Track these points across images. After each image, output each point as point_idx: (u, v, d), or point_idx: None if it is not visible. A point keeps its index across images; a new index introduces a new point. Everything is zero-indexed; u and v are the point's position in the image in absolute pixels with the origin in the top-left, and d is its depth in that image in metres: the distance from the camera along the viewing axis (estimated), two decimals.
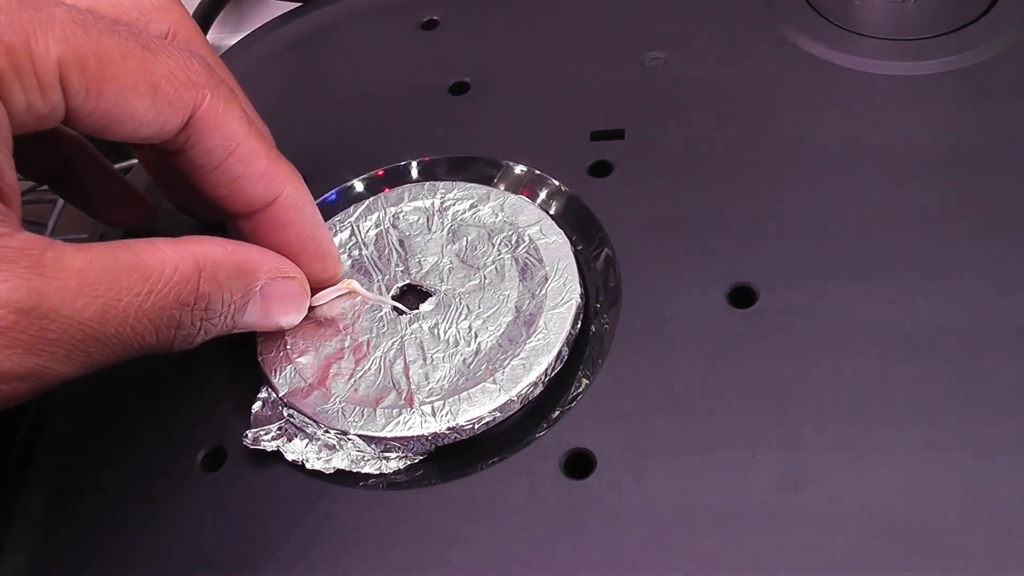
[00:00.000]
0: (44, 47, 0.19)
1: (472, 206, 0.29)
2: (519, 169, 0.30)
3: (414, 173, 0.32)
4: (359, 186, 0.32)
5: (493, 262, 0.27)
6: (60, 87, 0.20)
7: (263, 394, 0.26)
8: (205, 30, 0.50)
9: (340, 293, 0.27)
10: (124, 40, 0.21)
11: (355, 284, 0.27)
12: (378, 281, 0.28)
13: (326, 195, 0.31)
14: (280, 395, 0.26)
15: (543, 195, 0.30)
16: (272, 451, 0.25)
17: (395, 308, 0.27)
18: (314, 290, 0.27)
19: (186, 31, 0.26)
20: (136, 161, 0.36)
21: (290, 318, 0.26)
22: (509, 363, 0.25)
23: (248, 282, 0.24)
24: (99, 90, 0.20)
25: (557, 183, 0.30)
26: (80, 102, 0.20)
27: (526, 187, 0.30)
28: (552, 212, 0.29)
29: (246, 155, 0.23)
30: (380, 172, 0.31)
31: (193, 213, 0.30)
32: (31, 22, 0.19)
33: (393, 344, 0.26)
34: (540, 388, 0.25)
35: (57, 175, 0.29)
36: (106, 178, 0.30)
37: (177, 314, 0.22)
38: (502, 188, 0.30)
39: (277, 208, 0.24)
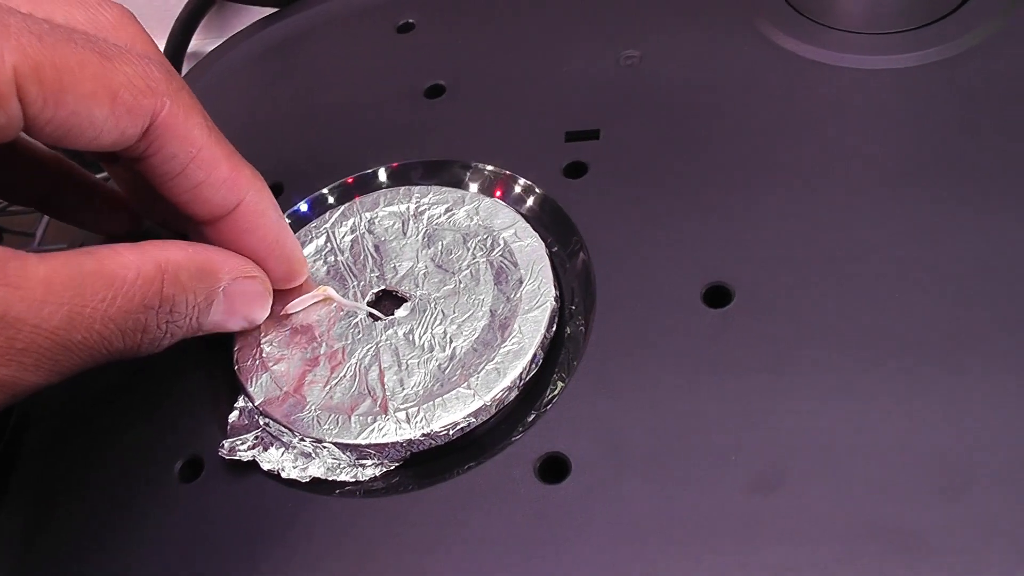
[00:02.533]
0: None
1: (447, 210, 0.29)
2: (493, 171, 0.30)
3: (383, 179, 0.32)
4: (329, 195, 0.32)
5: (468, 266, 0.27)
6: (17, 98, 0.20)
7: (240, 403, 0.26)
8: (188, 36, 0.50)
9: (316, 300, 0.27)
10: (81, 48, 0.20)
11: (330, 291, 0.27)
12: (353, 287, 0.28)
13: (296, 204, 0.31)
14: (256, 404, 0.26)
15: (518, 197, 0.30)
16: (248, 461, 0.25)
17: (370, 314, 0.27)
18: (283, 295, 0.27)
19: (143, 47, 0.25)
20: None
21: (254, 316, 0.26)
22: (484, 368, 0.25)
23: (211, 283, 0.24)
24: (57, 99, 0.20)
25: (532, 185, 0.30)
26: (38, 111, 0.20)
27: (501, 189, 0.30)
28: (527, 214, 0.29)
29: (207, 161, 0.23)
30: (350, 180, 0.31)
31: (165, 224, 0.30)
32: None
33: (368, 350, 0.26)
34: (515, 392, 0.25)
35: (46, 199, 0.29)
36: (94, 195, 0.30)
37: (143, 318, 0.22)
38: (477, 191, 0.30)
39: (240, 213, 0.24)
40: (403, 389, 0.25)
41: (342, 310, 0.27)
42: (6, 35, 0.19)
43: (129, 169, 0.28)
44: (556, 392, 0.25)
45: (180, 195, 0.23)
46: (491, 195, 0.30)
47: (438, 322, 0.26)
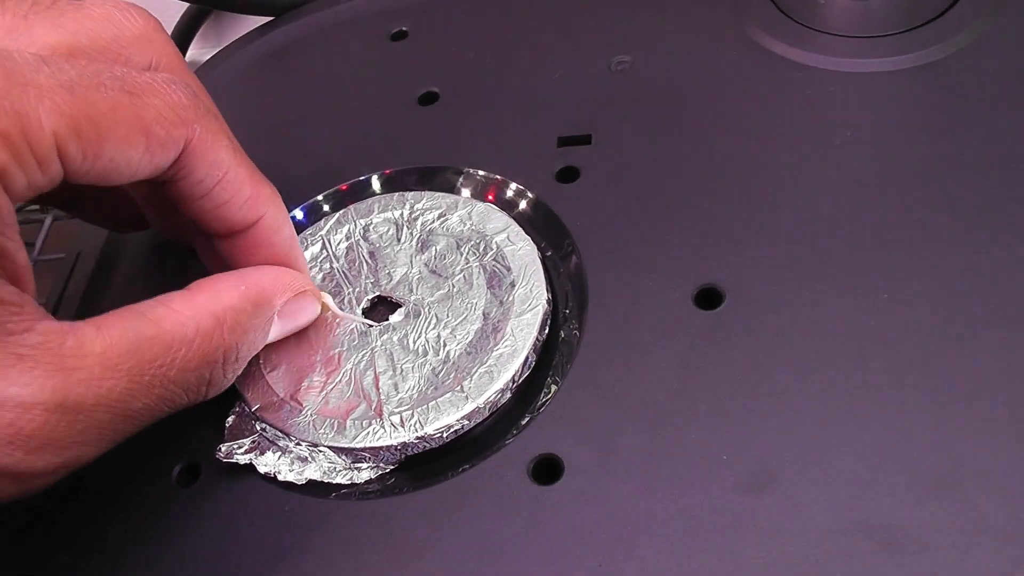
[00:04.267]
0: (38, 126, 0.19)
1: (441, 215, 0.29)
2: (486, 177, 0.31)
3: (376, 186, 0.32)
4: (324, 203, 0.32)
5: (461, 271, 0.28)
6: (58, 159, 0.19)
7: (236, 408, 0.27)
8: (186, 46, 0.50)
9: None
10: (110, 91, 0.20)
11: (327, 298, 0.27)
12: (349, 293, 0.28)
13: (291, 212, 0.31)
14: (252, 409, 0.26)
15: (511, 202, 0.30)
16: (245, 464, 0.25)
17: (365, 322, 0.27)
18: None
19: (168, 61, 0.25)
20: None
21: (302, 323, 0.26)
22: (477, 371, 0.25)
23: (267, 312, 0.24)
24: (96, 151, 0.20)
25: (524, 189, 0.30)
26: (78, 166, 0.20)
27: (494, 194, 0.30)
28: (520, 219, 0.29)
29: (232, 183, 0.23)
30: (344, 187, 0.32)
31: (172, 234, 0.30)
32: (21, 101, 0.18)
33: (363, 356, 0.26)
34: (508, 395, 0.25)
35: (69, 202, 0.30)
36: (111, 196, 0.30)
37: (206, 372, 0.22)
38: (470, 196, 0.30)
39: (257, 230, 0.24)
40: (398, 393, 0.25)
41: (337, 316, 0.28)
42: (40, 98, 0.19)
43: (144, 189, 0.28)
44: (550, 394, 0.25)
45: (203, 214, 0.24)
46: (484, 200, 0.30)
47: (432, 326, 0.27)
